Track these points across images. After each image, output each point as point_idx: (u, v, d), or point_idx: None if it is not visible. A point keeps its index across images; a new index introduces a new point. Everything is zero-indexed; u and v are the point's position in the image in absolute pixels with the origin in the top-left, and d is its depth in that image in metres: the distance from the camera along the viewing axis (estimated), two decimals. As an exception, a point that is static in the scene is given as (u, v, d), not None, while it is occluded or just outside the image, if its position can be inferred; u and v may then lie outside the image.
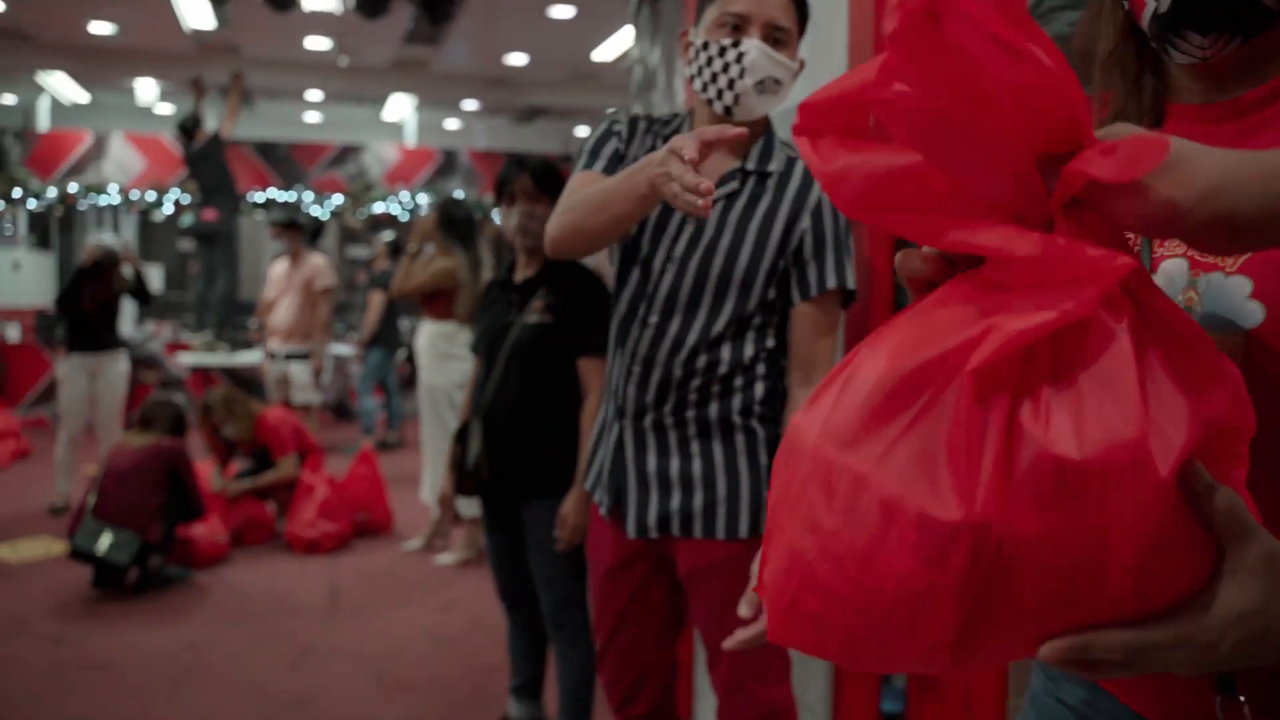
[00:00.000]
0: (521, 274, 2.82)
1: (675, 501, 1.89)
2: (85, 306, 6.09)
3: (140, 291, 6.37)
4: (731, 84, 1.77)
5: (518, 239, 2.78)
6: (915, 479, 0.60)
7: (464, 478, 2.75)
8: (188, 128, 8.69)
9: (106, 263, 6.10)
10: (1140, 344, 0.61)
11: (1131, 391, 0.59)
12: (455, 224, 5.21)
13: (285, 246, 6.87)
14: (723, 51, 1.75)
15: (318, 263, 6.90)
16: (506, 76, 9.87)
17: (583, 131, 11.28)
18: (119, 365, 6.31)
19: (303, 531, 5.38)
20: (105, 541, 4.43)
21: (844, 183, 0.64)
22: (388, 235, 8.78)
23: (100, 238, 6.33)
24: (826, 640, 0.65)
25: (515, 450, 2.69)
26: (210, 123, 9.09)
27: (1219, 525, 0.61)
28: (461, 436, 2.80)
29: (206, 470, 5.81)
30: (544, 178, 2.79)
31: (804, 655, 2.28)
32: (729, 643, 1.53)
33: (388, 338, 8.42)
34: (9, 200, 9.68)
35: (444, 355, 5.19)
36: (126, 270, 6.28)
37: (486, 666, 3.88)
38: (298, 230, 6.91)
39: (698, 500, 1.88)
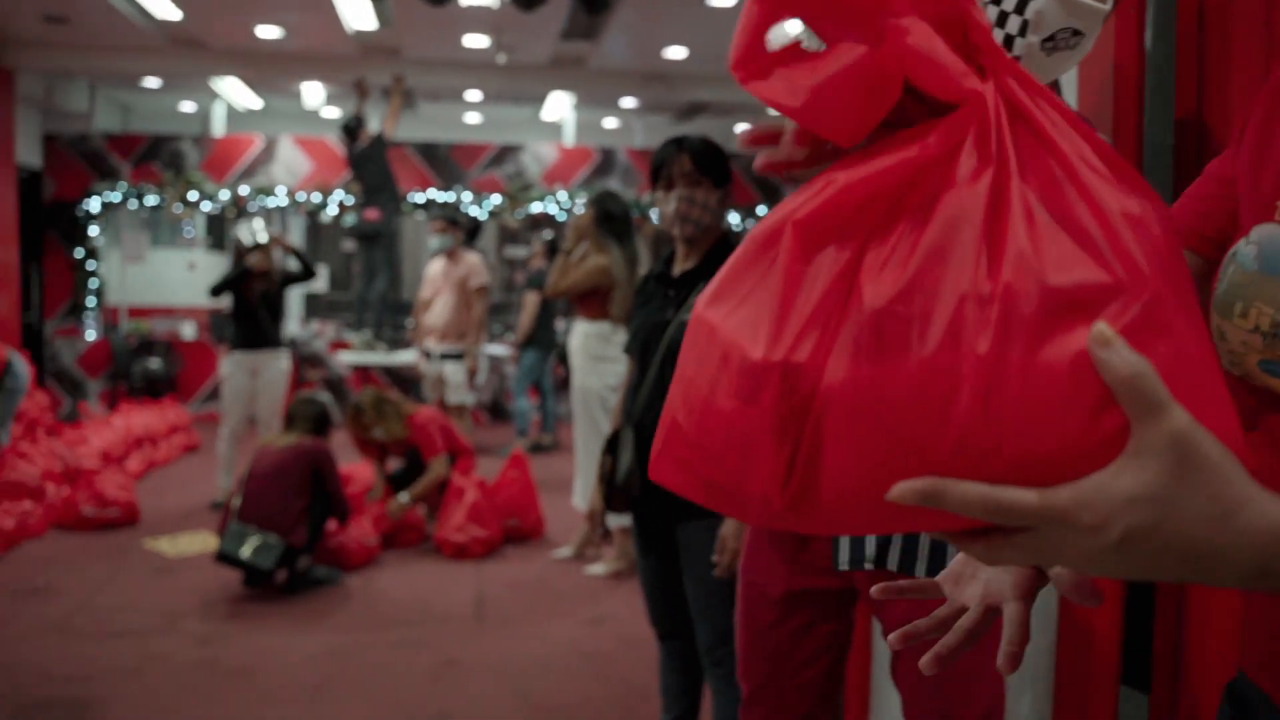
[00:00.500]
0: (680, 266, 2.53)
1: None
2: (248, 296, 6.12)
3: (303, 272, 6.38)
4: (1010, 42, 1.28)
5: (676, 227, 2.48)
6: (746, 327, 0.63)
7: (614, 492, 2.47)
8: (351, 129, 8.77)
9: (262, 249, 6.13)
10: (1006, 187, 0.59)
11: (971, 240, 0.58)
12: (611, 219, 4.97)
13: (443, 244, 6.80)
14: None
15: (473, 261, 6.80)
16: (666, 71, 9.62)
17: (744, 129, 11.00)
18: (280, 363, 6.33)
19: (452, 536, 5.24)
20: (250, 545, 4.36)
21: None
22: (545, 235, 8.68)
23: (250, 225, 6.36)
24: (690, 483, 0.68)
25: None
26: (373, 124, 9.17)
27: (1122, 397, 0.53)
28: (612, 446, 2.52)
29: (366, 473, 5.77)
30: (705, 158, 2.49)
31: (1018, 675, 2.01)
32: (925, 663, 1.21)
33: (543, 338, 8.29)
34: (185, 203, 10.03)
35: (598, 356, 4.96)
36: (276, 254, 6.30)
37: (637, 689, 3.61)
38: (456, 228, 6.83)
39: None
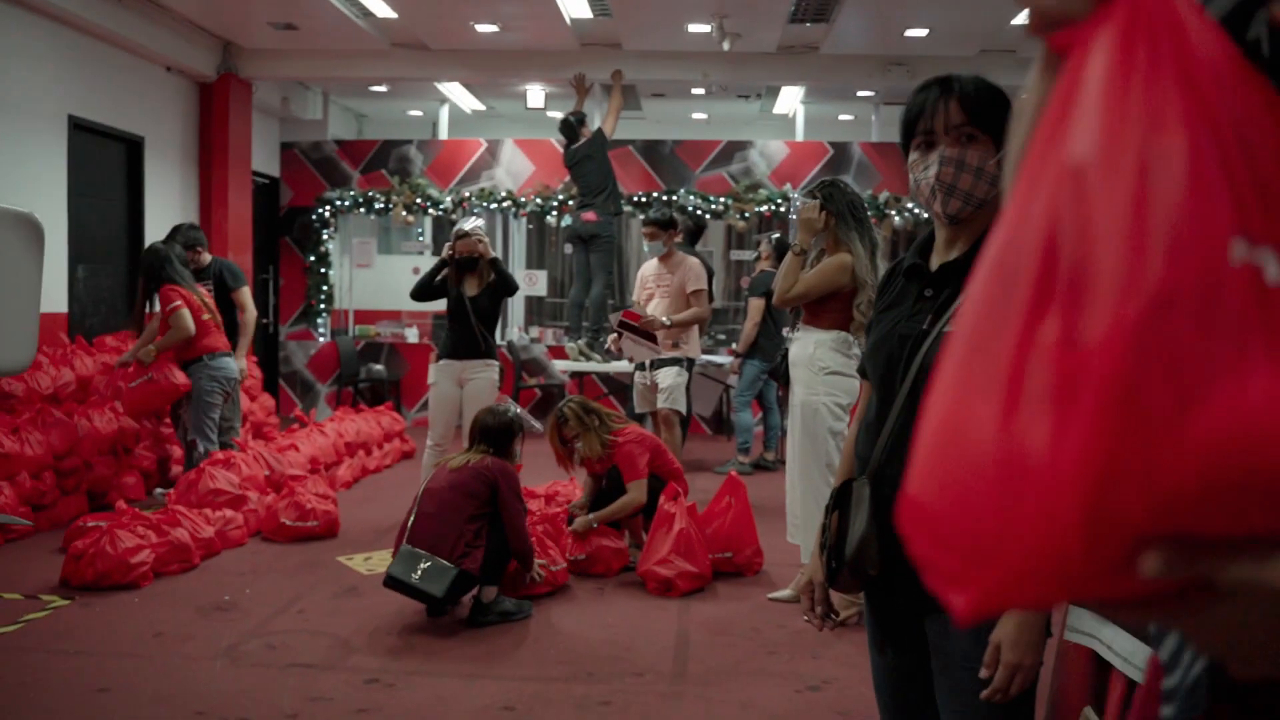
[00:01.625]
0: (941, 256, 1.77)
1: None
2: (459, 301, 5.74)
3: (501, 284, 5.94)
4: None
5: (937, 202, 1.75)
6: None
7: (840, 567, 1.77)
8: (571, 125, 8.43)
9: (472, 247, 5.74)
10: None
11: None
12: (851, 208, 4.27)
13: (654, 248, 6.27)
14: None
15: (691, 264, 6.23)
16: (906, 55, 8.77)
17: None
18: (488, 373, 5.94)
19: (657, 569, 4.66)
20: (419, 570, 3.93)
21: None
22: (772, 235, 8.01)
23: (467, 218, 6.00)
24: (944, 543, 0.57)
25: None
26: (594, 123, 8.78)
27: None
28: (840, 502, 1.82)
29: (572, 490, 5.29)
30: (981, 105, 1.75)
31: None
32: None
33: (767, 348, 7.64)
34: (411, 208, 10.00)
35: (830, 369, 4.26)
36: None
37: (864, 788, 2.90)
38: (670, 229, 6.28)
39: None
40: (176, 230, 6.52)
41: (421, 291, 5.92)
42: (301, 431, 6.90)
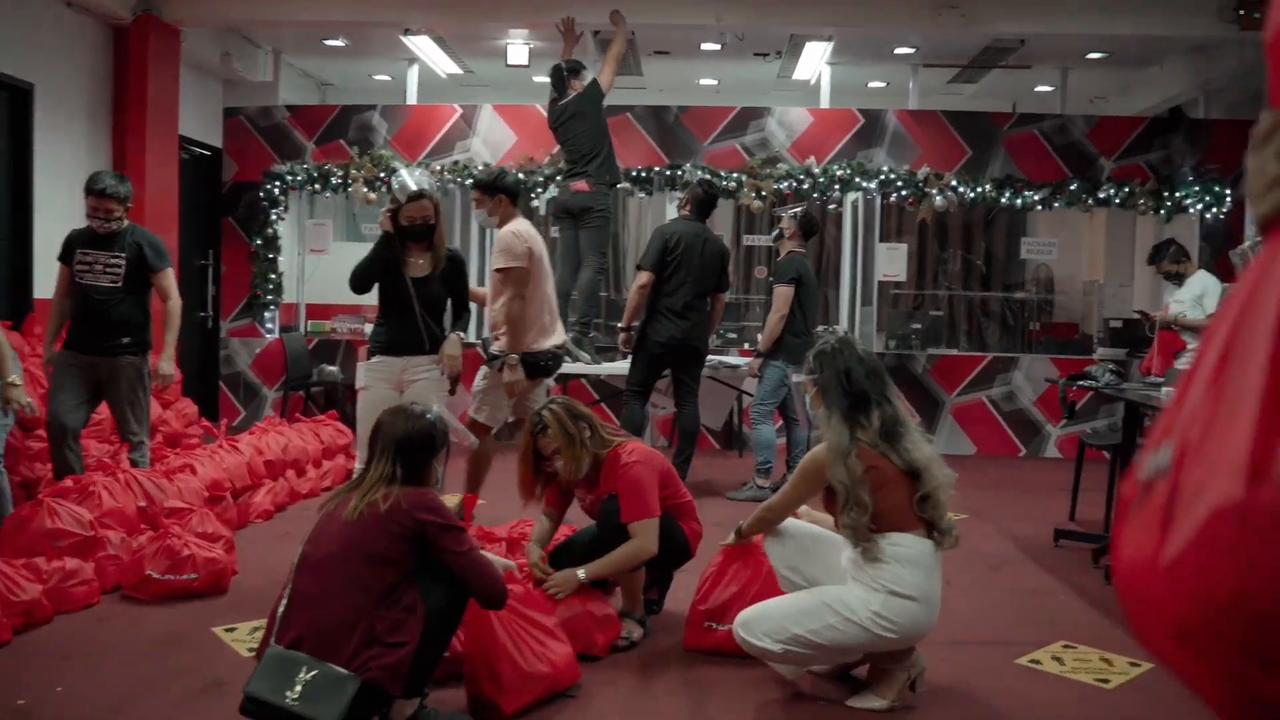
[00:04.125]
0: None
1: None
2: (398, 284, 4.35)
3: (456, 274, 4.56)
4: None
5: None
6: None
7: None
8: (560, 74, 6.99)
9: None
10: None
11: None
12: (845, 379, 3.09)
13: (485, 220, 4.91)
14: None
15: (499, 235, 4.79)
16: None
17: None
18: (435, 372, 4.50)
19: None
20: (297, 685, 2.47)
21: None
22: (793, 210, 6.56)
23: (405, 173, 4.53)
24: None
25: None
26: (587, 76, 7.29)
27: None
28: None
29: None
30: None
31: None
32: None
33: (794, 347, 6.24)
34: (371, 185, 8.53)
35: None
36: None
37: None
38: (495, 194, 4.78)
39: None
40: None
41: (362, 278, 4.53)
42: (207, 448, 5.44)
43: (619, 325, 6.35)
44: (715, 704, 3.12)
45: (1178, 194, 8.37)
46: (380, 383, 4.44)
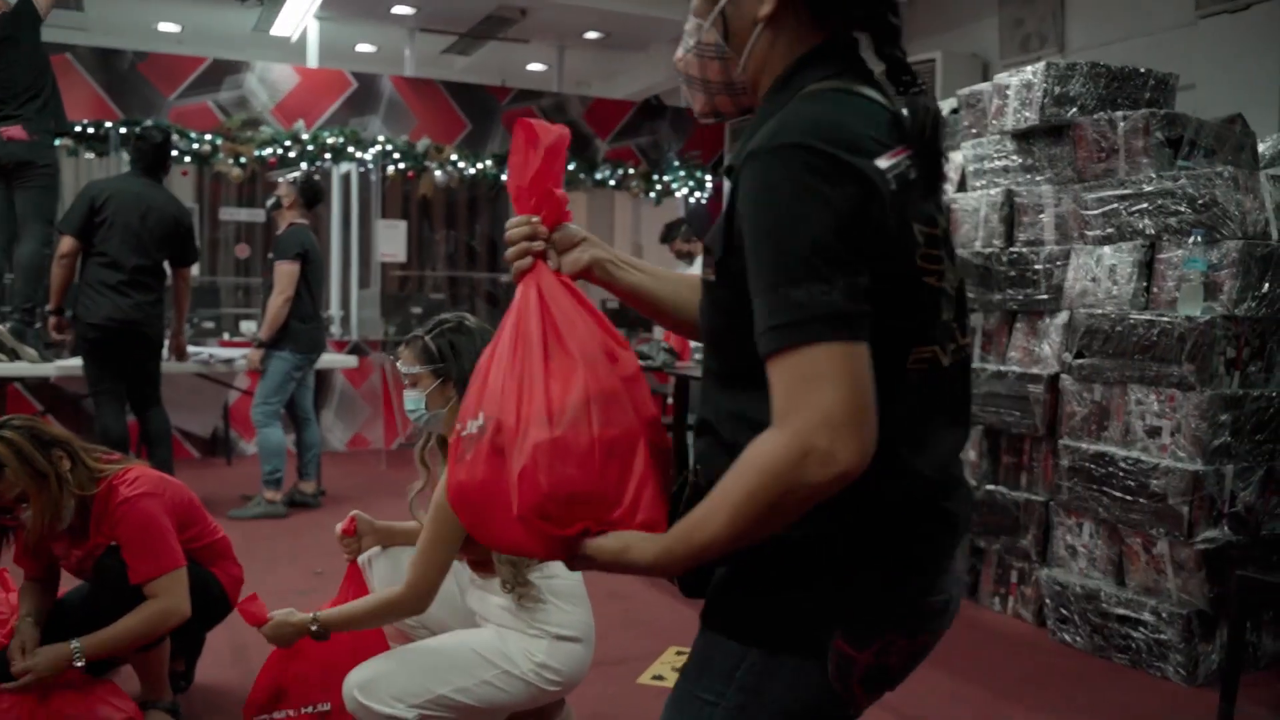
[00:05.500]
0: None
1: None
2: None
3: None
4: None
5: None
6: None
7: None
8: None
9: None
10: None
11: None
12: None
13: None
14: None
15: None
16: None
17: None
18: None
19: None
20: None
21: None
22: (290, 174, 5.64)
23: None
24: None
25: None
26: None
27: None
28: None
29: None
30: None
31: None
32: None
33: (302, 334, 5.43)
34: None
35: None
36: None
37: None
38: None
39: None
40: None
41: None
42: None
43: (46, 309, 5.05)
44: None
45: (665, 178, 8.68)
46: None
